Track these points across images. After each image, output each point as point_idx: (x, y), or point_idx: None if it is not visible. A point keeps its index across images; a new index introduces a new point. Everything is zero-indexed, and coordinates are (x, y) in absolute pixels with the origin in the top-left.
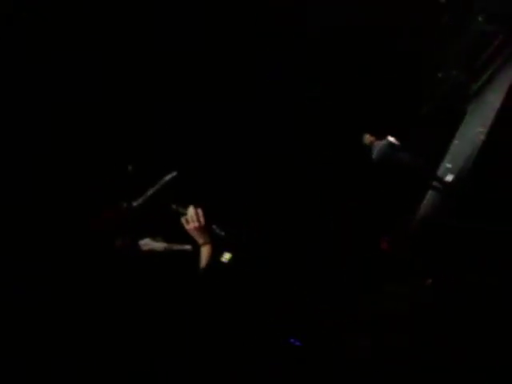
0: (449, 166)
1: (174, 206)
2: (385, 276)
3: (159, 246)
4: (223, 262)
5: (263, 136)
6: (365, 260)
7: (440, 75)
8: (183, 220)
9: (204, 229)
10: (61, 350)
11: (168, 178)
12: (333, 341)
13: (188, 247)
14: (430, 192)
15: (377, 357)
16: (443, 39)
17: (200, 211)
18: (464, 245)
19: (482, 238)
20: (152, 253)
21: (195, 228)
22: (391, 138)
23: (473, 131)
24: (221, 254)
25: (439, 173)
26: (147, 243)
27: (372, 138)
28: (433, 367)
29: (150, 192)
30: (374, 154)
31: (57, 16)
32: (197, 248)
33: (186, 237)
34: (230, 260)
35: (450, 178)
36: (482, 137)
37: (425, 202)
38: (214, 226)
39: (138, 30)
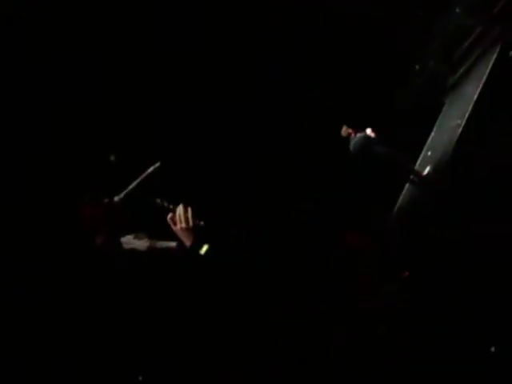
0: (427, 157)
1: (158, 201)
2: (363, 270)
3: (142, 244)
4: (202, 255)
5: (263, 136)
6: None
7: (417, 67)
8: (170, 220)
9: (192, 230)
10: (55, 349)
11: (151, 169)
12: (329, 339)
13: (173, 244)
14: (407, 185)
15: (364, 353)
16: (421, 31)
17: (190, 211)
18: (442, 238)
19: (460, 231)
20: (134, 252)
21: (182, 229)
22: (368, 131)
23: (450, 123)
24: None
25: (418, 165)
26: (129, 241)
27: (349, 131)
28: (414, 360)
29: (133, 185)
30: (351, 146)
31: (57, 16)
32: (183, 246)
33: (171, 233)
34: (207, 252)
35: (427, 170)
36: (460, 129)
37: (402, 195)
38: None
39: (138, 30)
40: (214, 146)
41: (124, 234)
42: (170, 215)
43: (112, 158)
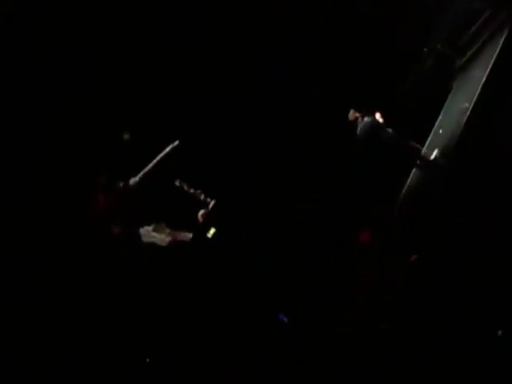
0: (435, 141)
1: (177, 183)
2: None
3: (162, 239)
4: (209, 239)
5: (263, 136)
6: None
7: (426, 50)
8: (201, 216)
9: None
10: (58, 349)
11: (169, 149)
12: (329, 339)
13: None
14: (414, 169)
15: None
16: (429, 14)
17: None
18: (448, 222)
19: (467, 216)
20: (154, 247)
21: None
22: (377, 115)
23: (458, 107)
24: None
25: (425, 149)
26: (149, 234)
27: (357, 115)
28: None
29: (149, 167)
30: (358, 130)
31: (57, 16)
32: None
33: (191, 218)
34: (214, 235)
35: (435, 154)
36: (468, 113)
37: (409, 179)
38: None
39: (138, 30)
40: (214, 147)
41: (142, 225)
42: (202, 212)
43: (126, 136)
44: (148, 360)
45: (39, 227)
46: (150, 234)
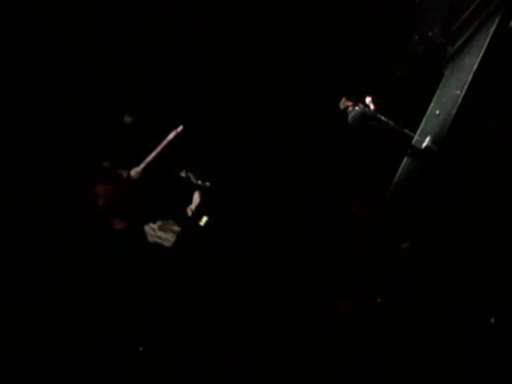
0: (427, 128)
1: (182, 174)
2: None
3: (169, 239)
4: (202, 227)
5: (263, 136)
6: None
7: (416, 37)
8: (190, 211)
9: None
10: (58, 348)
11: (172, 135)
12: (329, 338)
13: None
14: (406, 158)
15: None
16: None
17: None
18: (440, 210)
19: (458, 203)
20: (160, 247)
21: None
22: (368, 100)
23: (450, 94)
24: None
25: (417, 137)
26: (155, 233)
27: (348, 103)
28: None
29: (152, 155)
30: (350, 119)
31: (57, 16)
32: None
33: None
34: (207, 223)
35: (426, 141)
36: (459, 100)
37: (401, 168)
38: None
39: (138, 29)
40: (213, 146)
41: (147, 221)
42: (190, 207)
43: (127, 119)
44: (147, 360)
45: (38, 223)
46: (156, 233)
